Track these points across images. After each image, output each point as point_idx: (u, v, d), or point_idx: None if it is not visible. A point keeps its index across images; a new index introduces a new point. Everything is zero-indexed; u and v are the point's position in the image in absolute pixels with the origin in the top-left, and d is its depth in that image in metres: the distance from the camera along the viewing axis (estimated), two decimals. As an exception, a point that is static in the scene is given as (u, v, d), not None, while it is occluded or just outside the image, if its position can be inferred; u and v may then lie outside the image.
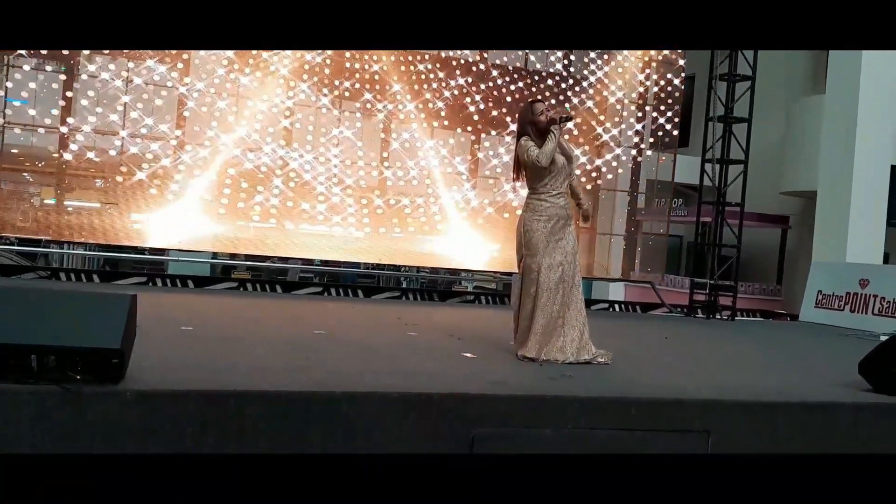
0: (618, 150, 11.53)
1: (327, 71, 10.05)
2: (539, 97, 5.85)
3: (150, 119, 9.38)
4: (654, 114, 11.77)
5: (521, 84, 10.96)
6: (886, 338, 5.65)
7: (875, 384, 5.33)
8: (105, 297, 3.73)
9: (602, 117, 11.44)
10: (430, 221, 10.64)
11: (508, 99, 10.86)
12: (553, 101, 10.85)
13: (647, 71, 11.73)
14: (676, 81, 11.81)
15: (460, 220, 10.76)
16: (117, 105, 9.26)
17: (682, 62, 11.87)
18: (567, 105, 11.10)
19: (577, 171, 6.08)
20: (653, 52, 11.70)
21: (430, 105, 10.50)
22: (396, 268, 13.79)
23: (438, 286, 13.00)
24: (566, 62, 11.28)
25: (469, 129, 10.78)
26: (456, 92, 10.63)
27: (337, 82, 10.09)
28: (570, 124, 6.17)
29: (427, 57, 10.51)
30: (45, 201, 9.51)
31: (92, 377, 3.49)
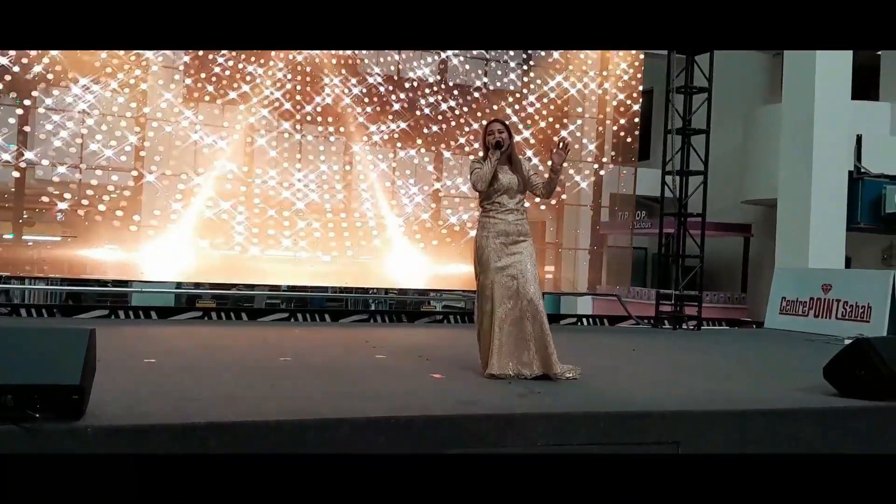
0: (570, 172, 11.60)
1: (287, 96, 10.02)
2: (498, 118, 5.94)
3: (110, 151, 9.29)
4: (615, 128, 11.87)
5: (476, 100, 11.01)
6: (850, 341, 5.71)
7: (840, 388, 5.38)
8: (63, 332, 3.67)
9: (563, 134, 11.51)
10: (391, 243, 10.64)
11: (456, 118, 10.90)
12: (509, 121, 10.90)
13: (606, 86, 11.84)
14: (627, 99, 11.93)
15: (427, 239, 10.76)
16: (75, 136, 9.15)
17: (638, 76, 12.01)
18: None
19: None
20: (610, 67, 11.82)
21: (388, 126, 10.50)
22: (364, 290, 13.72)
23: (407, 307, 12.96)
24: (525, 80, 11.35)
25: (433, 149, 10.81)
26: (418, 112, 10.65)
27: (298, 107, 10.06)
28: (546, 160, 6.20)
29: (383, 79, 10.52)
30: (4, 236, 9.38)
31: (52, 414, 3.43)
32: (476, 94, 11.04)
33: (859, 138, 14.70)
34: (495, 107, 11.04)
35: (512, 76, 11.31)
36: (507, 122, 5.87)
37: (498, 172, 5.64)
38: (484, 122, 6.08)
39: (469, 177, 5.81)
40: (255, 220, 9.90)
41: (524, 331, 5.49)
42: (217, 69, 9.71)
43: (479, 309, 5.70)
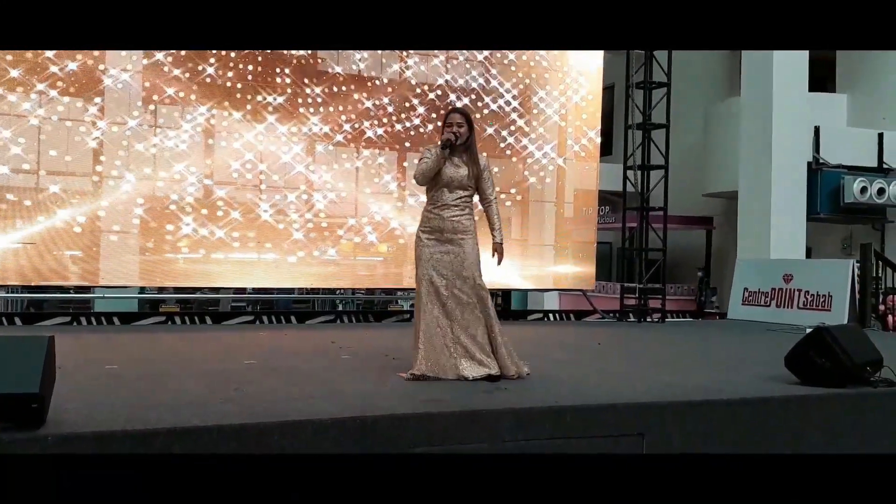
0: (529, 172, 11.64)
1: (248, 95, 9.95)
2: (458, 108, 5.67)
3: (68, 156, 9.16)
4: (575, 124, 11.93)
5: (438, 97, 11.01)
6: (811, 330, 5.79)
7: (802, 377, 5.46)
8: (20, 339, 3.61)
9: (527, 129, 11.55)
10: (362, 242, 10.61)
11: (418, 116, 10.90)
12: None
13: (567, 82, 11.89)
14: (591, 96, 12.00)
15: (391, 238, 10.75)
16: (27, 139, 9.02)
17: (599, 70, 12.07)
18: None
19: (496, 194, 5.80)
20: (571, 63, 11.87)
21: (355, 125, 10.47)
22: (331, 291, 13.67)
23: (375, 307, 12.93)
24: (486, 77, 11.36)
25: (396, 147, 10.77)
26: (382, 111, 10.63)
27: (260, 98, 9.96)
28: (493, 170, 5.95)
29: (342, 78, 10.49)
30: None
31: (10, 424, 3.38)
32: (439, 92, 11.03)
33: (817, 130, 14.90)
34: (459, 104, 11.02)
35: (473, 73, 11.30)
36: (468, 113, 5.63)
37: (444, 165, 5.43)
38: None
39: (418, 163, 5.56)
40: (218, 224, 9.80)
41: (458, 333, 5.33)
42: (176, 71, 9.61)
43: (415, 304, 5.58)
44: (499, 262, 5.53)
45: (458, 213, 5.47)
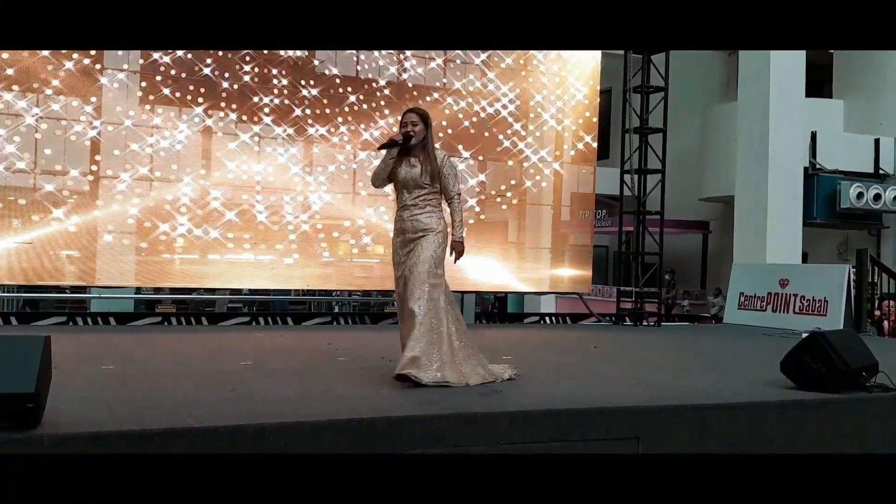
0: (532, 166, 11.64)
1: (244, 97, 9.94)
2: (414, 108, 5.66)
3: (48, 150, 9.13)
4: (572, 128, 11.94)
5: (435, 99, 11.01)
6: (806, 335, 5.80)
7: (797, 381, 5.47)
8: (16, 339, 3.60)
9: (524, 132, 11.54)
10: (357, 244, 10.60)
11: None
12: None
13: (564, 86, 11.89)
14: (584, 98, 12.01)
15: (387, 240, 10.73)
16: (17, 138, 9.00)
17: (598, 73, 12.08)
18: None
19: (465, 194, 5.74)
20: (568, 67, 11.87)
21: (351, 127, 10.46)
22: (328, 292, 13.65)
23: (371, 308, 12.92)
24: (484, 81, 11.35)
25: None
26: (379, 112, 10.62)
27: (256, 98, 9.94)
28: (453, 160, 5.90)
29: (339, 80, 10.48)
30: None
31: (6, 424, 3.38)
32: (436, 95, 11.03)
33: (814, 135, 14.96)
34: (456, 107, 11.04)
35: (471, 76, 11.30)
36: (423, 112, 5.57)
37: (399, 165, 5.44)
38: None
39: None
40: (214, 224, 9.78)
41: (429, 334, 5.23)
42: (173, 71, 9.60)
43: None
44: (455, 260, 5.49)
45: (418, 212, 5.42)
